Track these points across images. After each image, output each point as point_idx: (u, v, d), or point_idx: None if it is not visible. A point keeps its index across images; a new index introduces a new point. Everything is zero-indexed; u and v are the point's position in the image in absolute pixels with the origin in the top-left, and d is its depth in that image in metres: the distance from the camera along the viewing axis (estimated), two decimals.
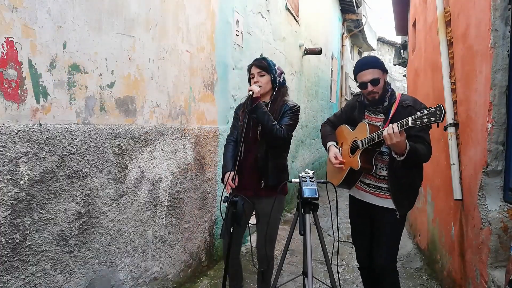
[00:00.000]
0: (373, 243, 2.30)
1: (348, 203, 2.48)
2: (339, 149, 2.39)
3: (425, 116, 1.82)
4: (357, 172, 2.24)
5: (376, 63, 2.18)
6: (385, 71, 2.20)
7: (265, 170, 2.35)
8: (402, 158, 1.99)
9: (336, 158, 2.30)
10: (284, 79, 2.45)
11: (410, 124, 1.87)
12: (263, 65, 2.37)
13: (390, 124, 1.96)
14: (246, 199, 2.21)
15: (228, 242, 2.12)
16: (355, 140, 2.25)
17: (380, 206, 2.23)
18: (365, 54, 15.64)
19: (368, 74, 2.15)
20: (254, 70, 2.38)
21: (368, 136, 2.12)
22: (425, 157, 2.11)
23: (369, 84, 2.15)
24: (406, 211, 2.23)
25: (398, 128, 1.91)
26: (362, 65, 2.20)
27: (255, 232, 2.58)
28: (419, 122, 1.83)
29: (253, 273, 2.98)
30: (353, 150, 2.26)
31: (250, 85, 2.39)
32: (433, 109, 1.79)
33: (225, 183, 2.31)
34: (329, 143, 2.41)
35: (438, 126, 1.88)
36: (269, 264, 2.49)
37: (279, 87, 2.41)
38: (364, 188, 2.30)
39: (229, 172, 2.33)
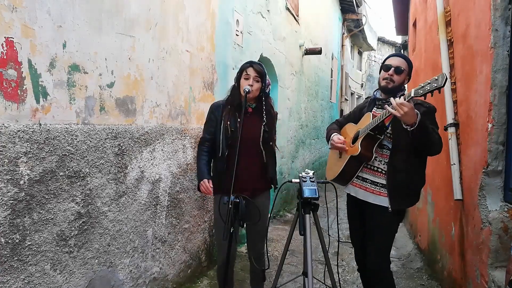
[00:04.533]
0: (366, 244, 2.29)
1: (346, 203, 2.47)
2: None
3: (427, 85, 1.83)
4: (356, 163, 2.23)
5: (408, 60, 2.28)
6: (409, 74, 2.27)
7: (267, 172, 2.45)
8: (415, 126, 1.92)
9: (339, 139, 2.33)
10: (269, 90, 2.49)
11: (412, 94, 1.88)
12: (261, 71, 2.36)
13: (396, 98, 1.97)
14: (249, 198, 2.21)
15: (228, 243, 2.11)
16: (358, 131, 2.26)
17: (374, 204, 2.20)
18: (365, 54, 15.64)
19: (397, 61, 2.23)
20: (252, 72, 2.33)
21: (370, 121, 2.12)
22: (438, 142, 2.07)
23: (392, 68, 2.20)
24: (399, 207, 2.18)
25: (408, 97, 1.93)
26: (397, 54, 2.35)
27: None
28: (421, 91, 1.85)
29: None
30: (355, 141, 2.26)
31: (240, 83, 2.37)
32: (436, 77, 1.81)
33: (201, 190, 2.40)
34: (333, 135, 2.42)
35: (439, 92, 1.87)
36: (263, 260, 2.56)
37: (266, 97, 2.42)
38: (359, 183, 2.27)
39: (204, 180, 2.37)
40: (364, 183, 2.25)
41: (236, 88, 2.42)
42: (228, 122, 2.35)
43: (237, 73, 2.42)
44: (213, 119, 2.42)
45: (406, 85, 2.33)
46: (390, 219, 2.19)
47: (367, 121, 2.19)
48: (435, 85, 1.80)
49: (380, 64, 2.33)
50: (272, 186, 2.52)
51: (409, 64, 2.26)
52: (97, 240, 2.08)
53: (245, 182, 2.31)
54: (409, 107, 1.89)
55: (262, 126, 2.37)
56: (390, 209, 2.15)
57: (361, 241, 2.35)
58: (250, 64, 2.38)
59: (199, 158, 2.45)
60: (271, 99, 2.50)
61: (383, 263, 2.22)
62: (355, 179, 2.29)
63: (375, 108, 2.30)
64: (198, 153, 2.47)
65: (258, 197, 2.39)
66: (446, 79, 1.79)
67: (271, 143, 2.43)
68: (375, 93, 2.35)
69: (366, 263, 2.25)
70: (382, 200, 2.18)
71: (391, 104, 1.95)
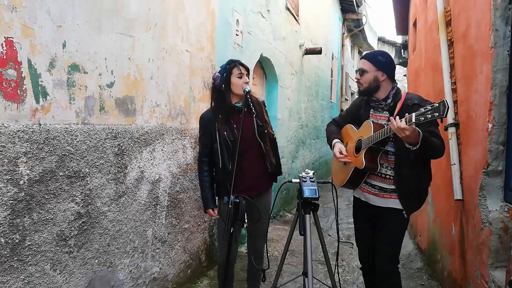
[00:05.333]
0: (375, 245, 2.29)
1: (352, 204, 2.48)
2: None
3: (429, 112, 1.81)
4: (362, 172, 2.24)
5: (372, 58, 2.25)
6: (381, 69, 2.20)
7: (271, 162, 2.43)
8: (417, 146, 1.94)
9: (340, 152, 2.31)
10: None
11: (413, 120, 1.86)
12: (248, 69, 2.37)
13: (397, 118, 1.94)
14: (248, 198, 2.21)
15: (228, 243, 2.11)
16: (360, 139, 2.25)
17: (384, 207, 2.21)
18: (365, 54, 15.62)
19: (360, 64, 2.30)
20: (244, 71, 2.33)
21: (372, 134, 2.12)
22: (441, 148, 2.07)
23: (356, 72, 2.29)
24: (413, 211, 2.22)
25: (408, 120, 1.89)
26: (362, 56, 2.38)
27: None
28: (423, 118, 1.83)
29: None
30: (358, 150, 2.26)
31: (230, 83, 2.32)
32: (437, 104, 1.79)
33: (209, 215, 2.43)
34: (334, 140, 2.42)
35: (441, 121, 1.86)
36: (263, 260, 2.56)
37: (248, 90, 2.38)
38: (369, 189, 2.28)
39: (210, 209, 2.39)
40: (373, 189, 2.26)
41: (225, 89, 2.33)
42: (225, 133, 2.30)
43: (224, 74, 2.32)
44: (208, 133, 2.35)
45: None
46: (402, 220, 2.21)
47: (368, 131, 2.17)
48: (436, 114, 1.78)
49: None
50: (276, 178, 2.51)
51: (374, 61, 2.22)
52: (97, 240, 2.08)
53: (249, 183, 2.31)
54: (410, 130, 1.89)
55: (254, 119, 2.36)
56: (405, 215, 2.17)
57: (369, 242, 2.34)
58: (237, 63, 2.34)
59: (201, 180, 2.40)
60: (250, 90, 2.44)
61: (393, 264, 2.23)
62: (364, 185, 2.31)
63: (372, 110, 2.29)
64: (200, 173, 2.41)
65: (262, 196, 2.39)
66: (448, 109, 1.76)
67: (266, 131, 2.39)
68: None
69: (376, 265, 2.24)
70: (394, 203, 2.19)
71: (390, 121, 1.96)
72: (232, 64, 2.34)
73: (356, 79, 2.29)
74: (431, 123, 2.10)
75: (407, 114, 1.94)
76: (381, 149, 2.17)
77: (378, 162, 2.18)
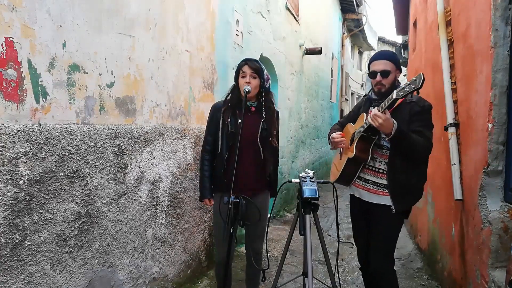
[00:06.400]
0: (369, 244, 2.29)
1: (349, 202, 2.48)
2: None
3: (407, 86, 1.89)
4: (354, 164, 2.24)
5: (391, 57, 2.24)
6: (398, 68, 2.24)
7: (266, 170, 2.44)
8: (390, 137, 2.01)
9: (337, 134, 2.35)
10: (269, 85, 2.47)
11: (394, 96, 1.92)
12: (256, 67, 2.35)
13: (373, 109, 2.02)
14: (249, 198, 2.21)
15: (228, 243, 2.11)
16: (354, 132, 2.27)
17: (377, 204, 2.21)
18: (365, 54, 15.63)
19: (381, 65, 2.20)
20: (247, 70, 2.32)
21: (364, 123, 2.14)
22: (422, 147, 2.08)
23: (378, 74, 2.18)
24: (403, 208, 2.20)
25: (384, 105, 1.98)
26: (378, 55, 2.27)
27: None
28: (402, 93, 1.90)
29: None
30: (352, 142, 2.27)
31: (238, 82, 2.37)
32: (414, 78, 1.86)
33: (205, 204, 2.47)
34: (332, 134, 2.44)
35: (418, 93, 1.95)
36: (261, 261, 2.57)
37: (266, 92, 2.41)
38: (362, 185, 2.28)
39: (207, 199, 2.42)
40: (367, 184, 2.26)
41: (235, 87, 2.41)
42: (229, 120, 2.34)
43: (235, 72, 2.41)
44: (215, 120, 2.41)
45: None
46: (395, 218, 2.20)
47: (362, 122, 2.20)
48: (413, 86, 1.85)
49: (368, 63, 2.34)
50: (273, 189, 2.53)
51: (394, 60, 2.22)
52: (97, 240, 2.08)
53: (244, 182, 2.31)
54: (384, 118, 1.95)
55: (261, 123, 2.36)
56: (394, 210, 2.16)
57: (366, 241, 2.35)
58: (245, 62, 2.36)
59: (202, 169, 2.44)
60: (272, 94, 2.48)
61: (388, 263, 2.23)
62: (357, 180, 2.30)
63: (371, 107, 2.31)
64: (201, 162, 2.45)
65: (257, 197, 2.39)
66: (423, 80, 1.82)
67: (270, 139, 2.39)
68: (370, 93, 2.36)
69: (371, 263, 2.24)
70: (386, 200, 2.19)
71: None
72: (241, 63, 2.38)
73: (377, 81, 2.19)
74: (423, 124, 2.11)
75: (392, 94, 1.99)
76: (372, 138, 2.18)
77: (370, 153, 2.19)
